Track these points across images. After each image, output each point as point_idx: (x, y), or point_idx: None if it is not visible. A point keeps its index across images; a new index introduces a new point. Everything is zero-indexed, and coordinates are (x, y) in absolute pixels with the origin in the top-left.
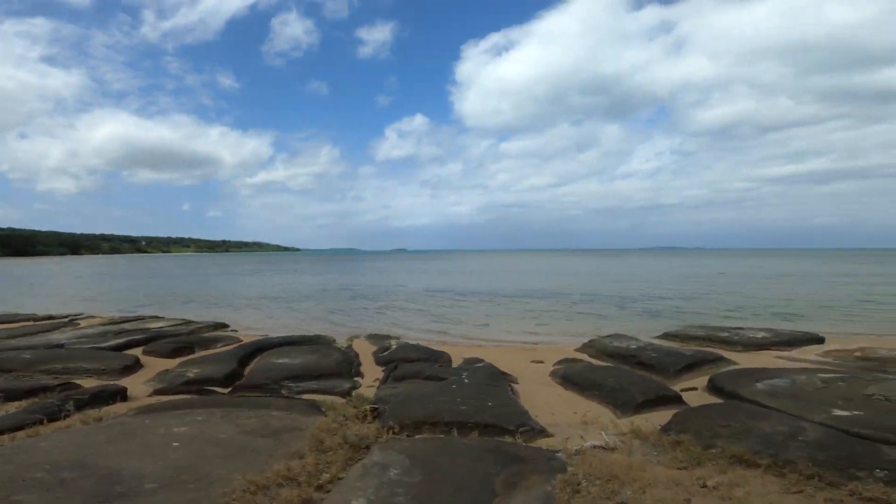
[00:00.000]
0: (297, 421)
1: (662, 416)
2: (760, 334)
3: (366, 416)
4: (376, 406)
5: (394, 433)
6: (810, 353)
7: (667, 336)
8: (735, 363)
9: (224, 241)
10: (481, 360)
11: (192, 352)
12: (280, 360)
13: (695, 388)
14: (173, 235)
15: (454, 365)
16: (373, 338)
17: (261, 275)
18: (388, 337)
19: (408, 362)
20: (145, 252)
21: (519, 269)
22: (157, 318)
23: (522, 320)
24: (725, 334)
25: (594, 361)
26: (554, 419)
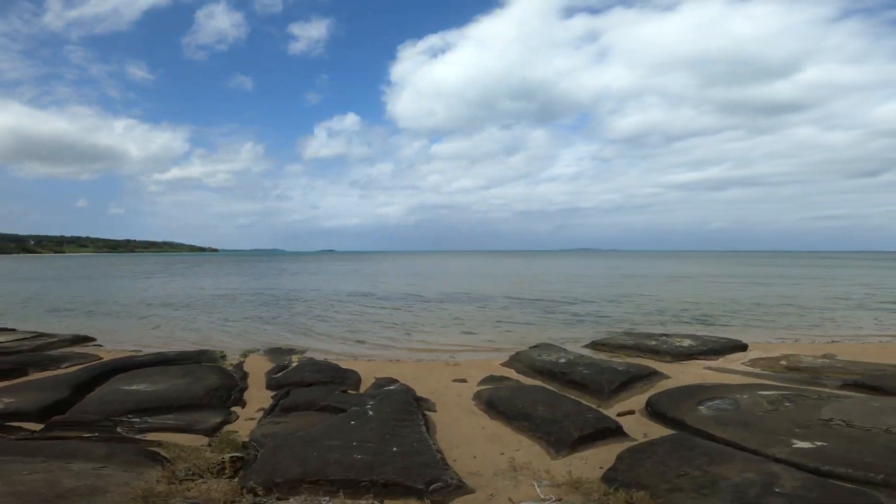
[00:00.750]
0: (106, 478)
1: (603, 454)
2: (686, 342)
3: (223, 468)
4: (239, 455)
5: (255, 497)
6: (736, 361)
7: (594, 346)
8: (667, 376)
9: (129, 241)
10: (395, 381)
11: (25, 374)
12: (132, 387)
13: (632, 412)
14: (68, 234)
15: (363, 387)
16: (272, 353)
17: (163, 277)
18: (291, 351)
19: (304, 386)
20: (34, 252)
21: (446, 271)
22: (6, 330)
23: (446, 329)
24: (653, 342)
25: (522, 379)
26: (476, 465)
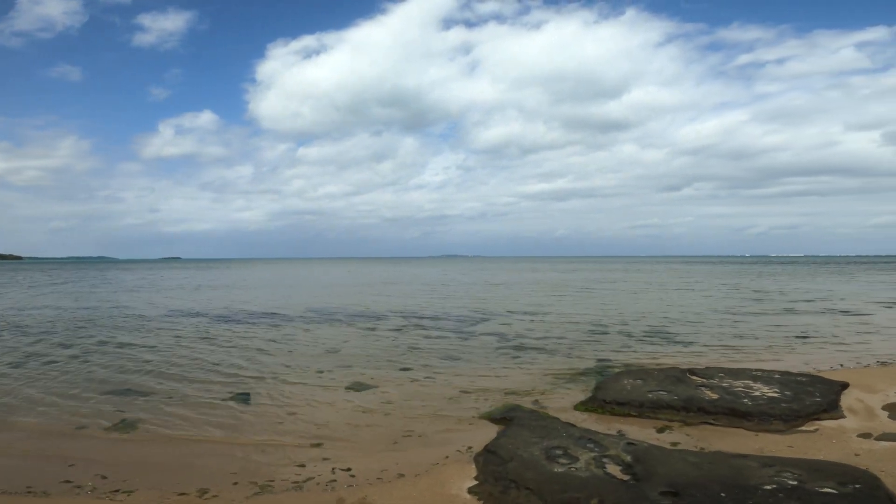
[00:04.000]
0: None
1: None
2: (759, 387)
3: None
4: None
5: None
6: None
7: (600, 407)
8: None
9: None
10: None
11: None
12: None
13: None
14: None
15: None
16: None
17: None
18: None
19: None
20: None
21: (313, 280)
22: None
23: (320, 379)
24: (707, 391)
25: None
26: None
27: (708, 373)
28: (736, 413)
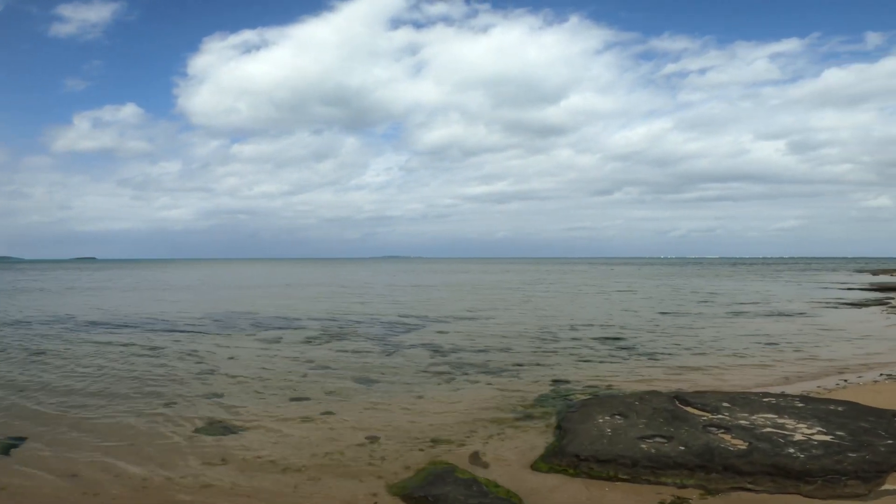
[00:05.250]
0: None
1: None
2: (798, 427)
3: None
4: None
5: None
6: None
7: (563, 462)
8: None
9: None
10: None
11: None
12: None
13: None
14: None
15: None
16: None
17: None
18: None
19: None
20: None
21: (234, 281)
22: None
23: (143, 409)
24: (729, 439)
25: None
26: None
27: (707, 401)
28: (785, 472)
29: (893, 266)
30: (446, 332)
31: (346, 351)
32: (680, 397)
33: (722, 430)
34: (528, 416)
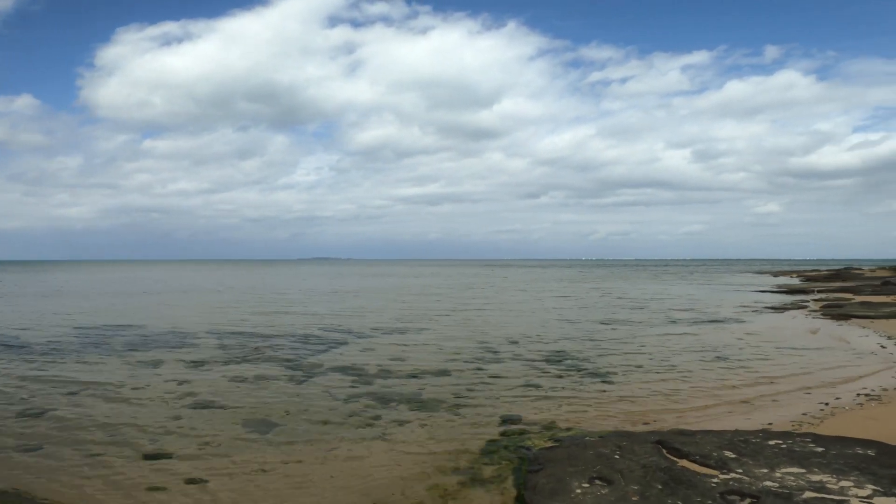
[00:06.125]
0: None
1: None
2: (855, 488)
3: None
4: None
5: None
6: None
7: None
8: None
9: None
10: None
11: None
12: None
13: None
14: None
15: None
16: None
17: None
18: None
19: None
20: None
21: (145, 286)
22: None
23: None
24: None
25: None
26: None
27: (703, 449)
28: None
29: (787, 268)
30: (372, 350)
31: (244, 378)
32: (666, 444)
33: (749, 500)
34: (477, 480)
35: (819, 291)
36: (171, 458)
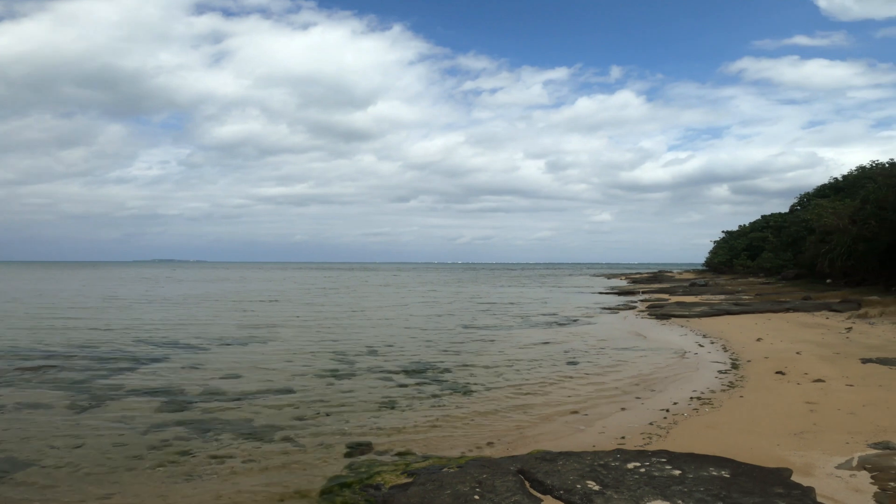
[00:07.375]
0: None
1: None
2: None
3: None
4: None
5: None
6: None
7: None
8: None
9: None
10: None
11: None
12: None
13: None
14: None
15: None
16: None
17: None
18: None
19: None
20: None
21: None
22: None
23: None
24: None
25: None
26: None
27: (566, 481)
28: None
29: (617, 271)
30: (198, 367)
31: (17, 407)
32: (529, 476)
33: None
34: None
35: (643, 292)
36: None
